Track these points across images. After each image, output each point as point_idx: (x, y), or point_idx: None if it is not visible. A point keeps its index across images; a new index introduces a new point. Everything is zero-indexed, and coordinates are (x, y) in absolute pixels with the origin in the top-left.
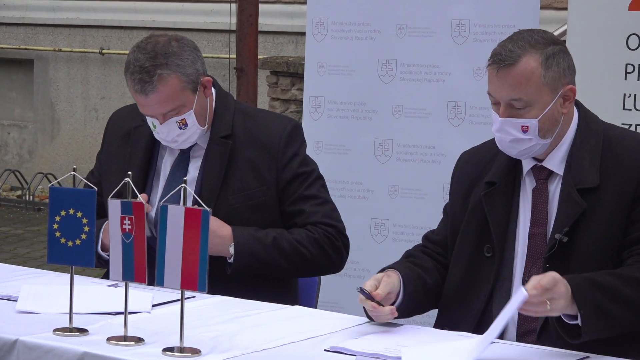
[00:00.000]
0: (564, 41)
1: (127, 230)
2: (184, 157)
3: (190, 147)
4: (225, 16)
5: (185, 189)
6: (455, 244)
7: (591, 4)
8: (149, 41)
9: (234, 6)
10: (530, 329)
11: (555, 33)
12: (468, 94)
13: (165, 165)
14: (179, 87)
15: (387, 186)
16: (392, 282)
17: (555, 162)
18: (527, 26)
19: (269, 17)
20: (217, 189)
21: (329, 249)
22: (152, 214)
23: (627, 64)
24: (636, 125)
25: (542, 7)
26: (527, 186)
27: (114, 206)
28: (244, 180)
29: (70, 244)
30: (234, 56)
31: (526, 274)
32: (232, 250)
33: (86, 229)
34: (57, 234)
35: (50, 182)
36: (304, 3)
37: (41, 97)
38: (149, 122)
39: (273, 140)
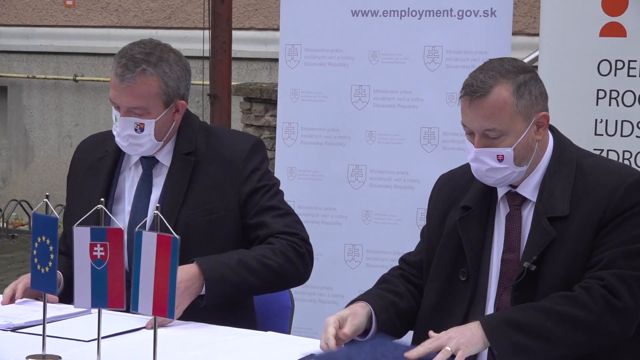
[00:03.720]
0: (536, 67)
1: (98, 257)
2: (146, 176)
3: (153, 165)
4: (199, 43)
5: (157, 215)
6: (431, 267)
7: (562, 30)
8: (151, 41)
9: (207, 33)
10: None
11: (527, 59)
12: (441, 119)
13: (130, 187)
14: (154, 91)
15: (360, 212)
16: (358, 323)
17: (529, 189)
18: (499, 52)
19: (242, 44)
20: (179, 205)
21: (294, 257)
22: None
23: (598, 90)
24: (608, 151)
25: (514, 33)
26: (502, 212)
27: (81, 234)
28: (205, 195)
29: (43, 270)
30: (208, 82)
31: (498, 299)
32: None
33: (52, 256)
34: (36, 260)
35: (24, 209)
36: (277, 30)
37: (15, 124)
38: (113, 115)
39: (235, 155)
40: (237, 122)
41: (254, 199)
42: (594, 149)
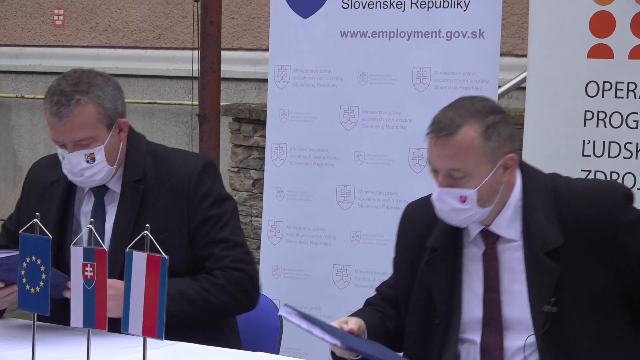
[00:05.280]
0: (524, 88)
1: (88, 277)
2: (99, 204)
3: (104, 193)
4: (188, 63)
5: (147, 235)
6: (409, 311)
7: (551, 51)
8: (75, 71)
9: (196, 53)
10: None
11: (515, 80)
12: None
13: (85, 215)
14: (94, 118)
15: (349, 232)
16: (359, 320)
17: (502, 226)
18: (488, 73)
19: (231, 64)
20: (129, 234)
21: (237, 294)
22: None
23: (586, 111)
24: (595, 172)
25: (502, 54)
26: (475, 250)
27: (76, 253)
28: (155, 224)
29: (32, 290)
30: (197, 103)
31: (484, 340)
32: None
33: (43, 276)
34: (24, 280)
35: None
36: (266, 50)
37: (3, 143)
38: (59, 155)
39: (183, 181)
40: (225, 143)
41: (203, 229)
42: (582, 170)
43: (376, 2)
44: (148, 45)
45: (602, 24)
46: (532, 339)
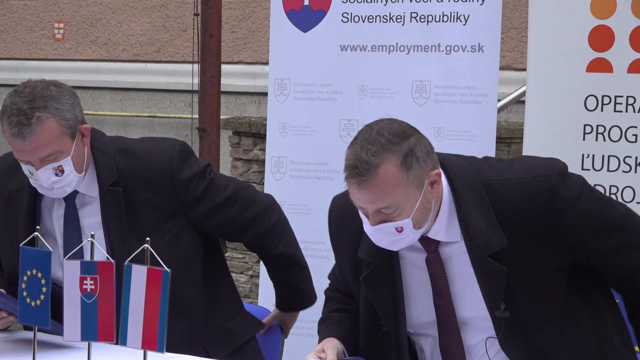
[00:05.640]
0: (523, 102)
1: (88, 290)
2: (70, 209)
3: (74, 197)
4: (188, 76)
5: (147, 249)
6: (360, 311)
7: (550, 65)
8: (27, 85)
9: (196, 66)
10: None
11: (515, 94)
12: None
13: (57, 221)
14: (57, 132)
15: None
16: (336, 345)
17: (441, 232)
18: (487, 87)
19: (231, 78)
20: (126, 239)
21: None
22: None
23: (585, 125)
24: (595, 185)
25: (501, 68)
26: (415, 257)
27: (71, 267)
28: (149, 220)
29: (33, 304)
30: (197, 116)
31: (443, 343)
32: None
33: (44, 289)
34: (25, 293)
35: None
36: (266, 64)
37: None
38: (25, 170)
39: (161, 174)
40: (225, 156)
41: (204, 206)
42: None
43: (376, 16)
44: (148, 59)
45: (601, 38)
46: (491, 340)
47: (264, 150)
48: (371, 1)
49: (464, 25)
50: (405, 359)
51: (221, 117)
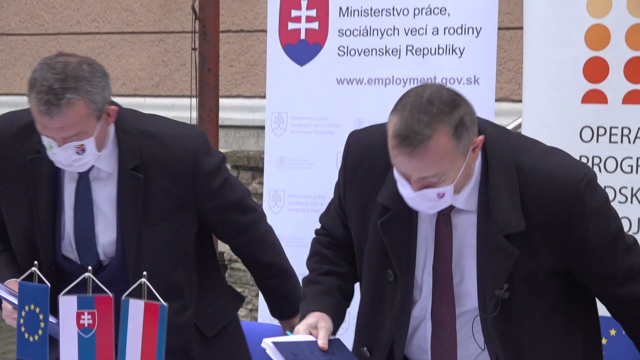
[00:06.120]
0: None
1: (85, 325)
2: (84, 181)
3: (88, 171)
4: (187, 110)
5: (144, 283)
6: (364, 259)
7: (545, 97)
8: (59, 60)
9: (194, 100)
10: None
11: (511, 126)
12: None
13: (69, 190)
14: (85, 114)
15: None
16: (328, 326)
17: (462, 198)
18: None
19: (230, 111)
20: (138, 224)
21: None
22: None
23: (580, 156)
24: None
25: (498, 100)
26: (428, 217)
27: (67, 303)
28: (163, 208)
29: (31, 339)
30: None
31: (435, 311)
32: None
33: (42, 324)
34: (23, 328)
35: None
36: (265, 97)
37: None
38: (45, 142)
39: (184, 165)
40: None
41: (215, 201)
42: None
43: (372, 49)
44: (147, 93)
45: (595, 69)
46: (478, 319)
47: (262, 183)
48: (367, 35)
49: (459, 57)
50: (409, 308)
51: (220, 150)
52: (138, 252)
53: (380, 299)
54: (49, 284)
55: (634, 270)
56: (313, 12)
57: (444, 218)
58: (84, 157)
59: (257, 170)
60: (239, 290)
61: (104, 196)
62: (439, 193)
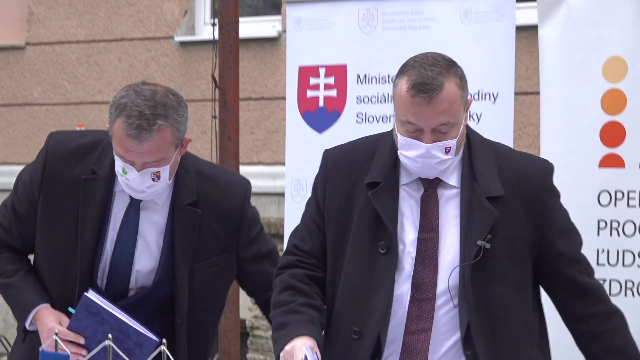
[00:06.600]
0: None
1: None
2: (134, 208)
3: (140, 199)
4: None
5: (164, 351)
6: (348, 246)
7: (563, 162)
8: (146, 88)
9: None
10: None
11: None
12: None
13: (115, 218)
14: (169, 141)
15: None
16: (313, 344)
17: (447, 173)
18: None
19: (251, 179)
20: (190, 258)
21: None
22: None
23: (599, 220)
24: (610, 280)
25: None
26: (413, 192)
27: None
28: (208, 248)
29: None
30: None
31: (417, 276)
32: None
33: None
34: None
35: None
36: (285, 164)
37: None
38: (119, 166)
39: (233, 209)
40: None
41: (253, 249)
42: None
43: (390, 116)
44: None
45: (612, 133)
46: (456, 281)
47: (282, 250)
48: (385, 101)
49: (477, 123)
50: (401, 278)
51: None
52: (191, 284)
53: (371, 275)
54: (69, 353)
55: (590, 267)
56: (331, 80)
57: (431, 191)
58: (157, 184)
59: (277, 237)
60: (261, 357)
61: (151, 226)
62: (446, 147)
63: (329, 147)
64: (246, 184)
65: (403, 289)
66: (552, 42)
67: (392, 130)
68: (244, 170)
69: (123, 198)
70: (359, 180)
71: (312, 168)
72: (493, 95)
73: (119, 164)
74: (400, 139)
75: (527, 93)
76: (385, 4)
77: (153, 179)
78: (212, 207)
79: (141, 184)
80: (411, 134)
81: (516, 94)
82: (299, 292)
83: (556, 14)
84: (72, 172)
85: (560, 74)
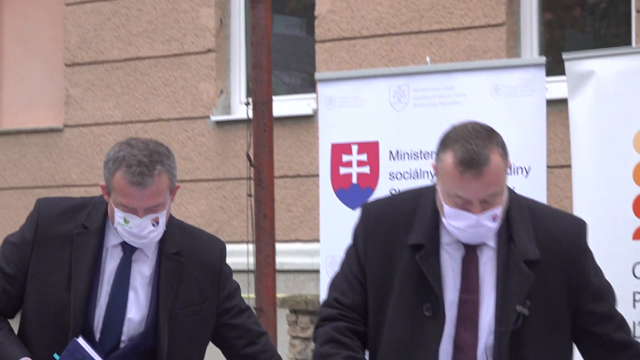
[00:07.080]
0: None
1: None
2: (127, 261)
3: (134, 251)
4: (244, 256)
5: None
6: (390, 305)
7: (597, 233)
8: (137, 141)
9: (251, 246)
10: None
11: None
12: None
13: (109, 271)
14: (167, 186)
15: None
16: None
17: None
18: None
19: (288, 256)
20: (170, 305)
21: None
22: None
23: (634, 292)
24: None
25: None
26: (454, 252)
27: None
28: (190, 296)
29: None
30: (253, 296)
31: (459, 337)
32: None
33: None
34: None
35: None
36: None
37: None
38: (119, 217)
39: (214, 260)
40: (283, 334)
41: (232, 302)
42: None
43: None
44: None
45: None
46: (492, 340)
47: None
48: (417, 177)
49: None
50: (448, 338)
51: (278, 295)
52: (173, 331)
53: (416, 337)
54: None
55: (625, 322)
56: (364, 157)
57: (472, 252)
58: (157, 230)
59: (315, 314)
60: None
61: (141, 277)
62: (493, 215)
63: (367, 202)
64: (220, 241)
65: (446, 349)
66: (582, 115)
67: (432, 187)
68: (280, 248)
69: (115, 253)
70: (400, 239)
71: (346, 245)
72: (525, 169)
73: (119, 215)
74: (448, 210)
75: (562, 166)
76: (416, 80)
77: (153, 225)
78: (193, 257)
79: (143, 230)
80: (459, 206)
81: (551, 167)
82: (342, 345)
83: (585, 88)
84: (65, 228)
85: (591, 146)
